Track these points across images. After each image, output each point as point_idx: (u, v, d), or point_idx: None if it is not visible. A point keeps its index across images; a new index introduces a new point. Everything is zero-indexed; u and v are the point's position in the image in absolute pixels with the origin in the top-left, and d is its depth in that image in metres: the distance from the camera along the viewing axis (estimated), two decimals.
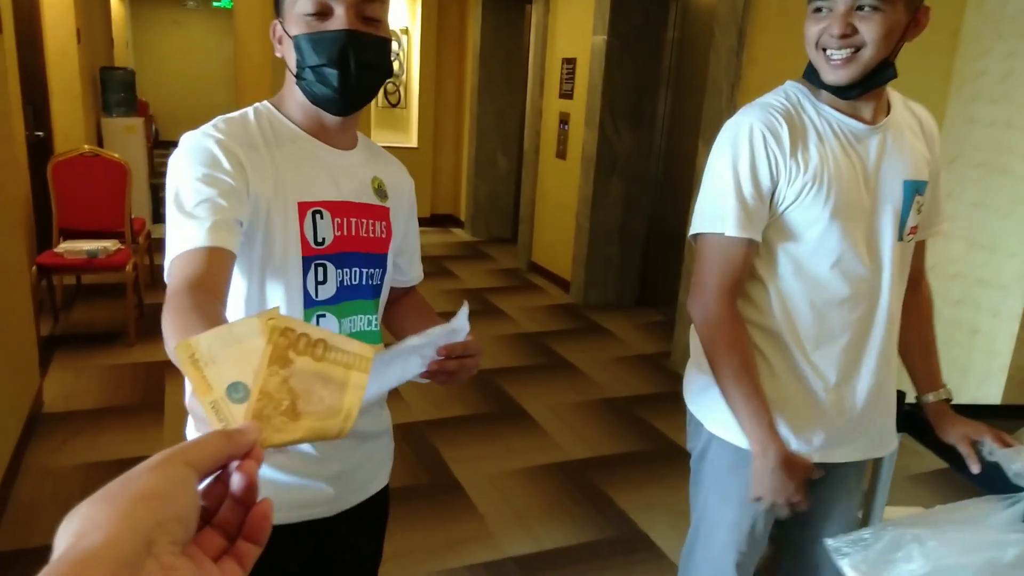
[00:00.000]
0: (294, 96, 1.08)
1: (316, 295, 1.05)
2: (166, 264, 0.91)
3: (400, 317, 1.28)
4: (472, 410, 3.43)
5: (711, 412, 1.38)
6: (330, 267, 1.06)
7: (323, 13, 1.01)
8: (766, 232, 1.28)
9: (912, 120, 1.34)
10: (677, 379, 3.92)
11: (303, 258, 1.04)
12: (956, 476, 1.39)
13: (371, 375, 0.53)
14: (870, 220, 1.27)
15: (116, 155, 3.95)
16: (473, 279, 5.73)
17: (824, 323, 1.29)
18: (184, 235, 0.89)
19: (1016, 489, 1.20)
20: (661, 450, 3.15)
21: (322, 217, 1.05)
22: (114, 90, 5.78)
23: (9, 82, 3.06)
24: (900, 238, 1.30)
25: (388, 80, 1.08)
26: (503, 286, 5.60)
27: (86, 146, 4.00)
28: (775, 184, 1.24)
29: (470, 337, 0.93)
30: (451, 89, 7.30)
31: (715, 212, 1.27)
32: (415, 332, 0.81)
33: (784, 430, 1.30)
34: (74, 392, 3.25)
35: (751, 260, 1.29)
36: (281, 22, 1.06)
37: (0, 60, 2.84)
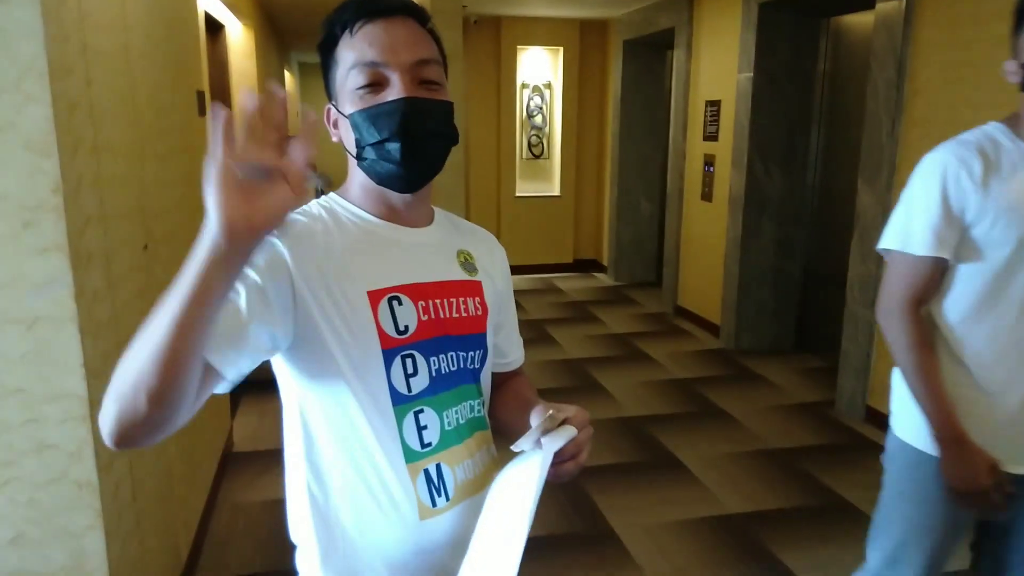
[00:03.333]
0: (357, 180, 1.01)
1: (409, 389, 0.96)
2: None
3: (503, 408, 1.12)
4: (624, 458, 3.39)
5: (895, 414, 1.55)
6: (419, 357, 0.96)
7: (378, 84, 0.93)
8: (961, 252, 1.40)
9: None
10: (843, 429, 3.70)
11: (383, 352, 0.94)
12: None
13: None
14: None
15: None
16: (618, 324, 5.71)
17: (1009, 339, 1.38)
18: None
19: None
20: (831, 506, 2.96)
21: (401, 303, 0.96)
22: None
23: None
24: None
25: (453, 145, 0.98)
26: (649, 331, 5.54)
27: None
28: (964, 211, 1.38)
29: (571, 425, 0.87)
30: (592, 137, 7.43)
31: (906, 231, 1.43)
32: (520, 428, 0.81)
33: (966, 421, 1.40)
34: (259, 433, 3.56)
35: (936, 277, 1.42)
36: (335, 104, 0.99)
37: (204, 138, 3.26)
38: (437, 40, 1.00)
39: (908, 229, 1.43)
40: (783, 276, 4.96)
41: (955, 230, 1.39)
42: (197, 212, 2.98)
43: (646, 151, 6.89)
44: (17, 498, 1.55)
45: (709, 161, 5.33)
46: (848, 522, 2.82)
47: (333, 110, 0.99)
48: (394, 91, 0.93)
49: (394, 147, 0.93)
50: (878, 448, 1.81)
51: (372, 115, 0.93)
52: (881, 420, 3.09)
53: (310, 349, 0.92)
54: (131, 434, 0.77)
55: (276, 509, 2.78)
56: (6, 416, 1.51)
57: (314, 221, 0.97)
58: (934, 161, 1.42)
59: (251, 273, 0.86)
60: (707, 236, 5.40)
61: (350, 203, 1.01)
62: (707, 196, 5.38)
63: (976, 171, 1.37)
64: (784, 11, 4.55)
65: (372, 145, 0.94)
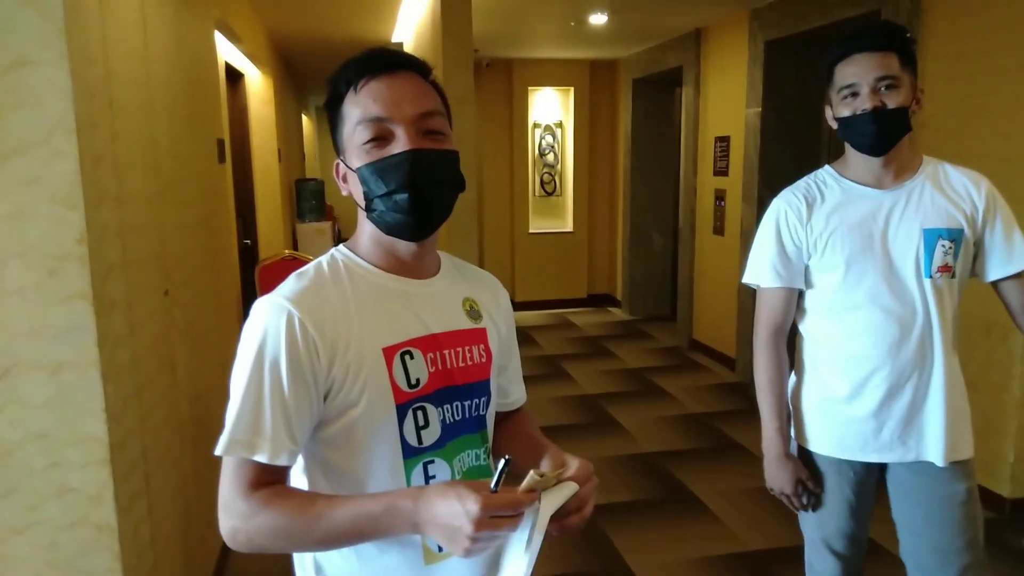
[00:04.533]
0: (366, 232, 1.04)
1: (420, 442, 0.98)
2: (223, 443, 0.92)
3: (507, 445, 1.15)
4: (641, 495, 3.37)
5: (796, 426, 1.77)
6: (430, 408, 0.99)
7: (383, 137, 0.96)
8: (808, 279, 1.68)
9: (943, 180, 1.63)
10: None
11: (396, 406, 0.96)
12: None
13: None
14: (885, 262, 1.58)
15: (311, 256, 4.43)
16: (633, 359, 5.70)
17: (861, 343, 1.61)
18: (253, 443, 0.91)
19: None
20: None
21: (412, 357, 0.98)
22: (306, 199, 6.52)
23: (228, 202, 3.57)
24: (928, 275, 1.57)
25: (460, 192, 1.02)
26: (664, 365, 5.52)
27: (287, 251, 4.53)
28: (797, 246, 1.66)
29: (574, 480, 0.90)
30: (604, 173, 7.50)
31: (754, 268, 1.73)
32: (528, 468, 0.85)
33: (827, 433, 1.69)
34: None
35: (788, 303, 1.70)
36: (343, 160, 1.02)
37: (223, 183, 3.34)
38: (440, 91, 1.04)
39: (755, 266, 1.72)
40: None
41: (791, 263, 1.67)
42: (215, 255, 3.05)
43: (657, 186, 6.94)
44: (38, 542, 1.58)
45: (720, 195, 5.36)
46: (872, 558, 2.77)
47: (342, 165, 1.03)
48: (400, 144, 0.96)
49: (402, 198, 0.95)
50: None
51: (379, 168, 0.96)
52: None
53: (329, 409, 0.96)
54: (255, 550, 0.93)
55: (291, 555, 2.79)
56: (29, 460, 1.55)
57: (324, 282, 1.00)
58: (772, 207, 1.71)
59: (292, 362, 0.92)
60: (720, 269, 5.41)
61: (359, 257, 1.04)
62: (719, 230, 5.40)
63: (803, 211, 1.65)
64: (789, 47, 4.62)
65: (381, 197, 0.97)
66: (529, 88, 7.20)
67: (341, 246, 1.07)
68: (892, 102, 1.52)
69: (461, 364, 1.04)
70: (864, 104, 1.53)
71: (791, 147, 4.79)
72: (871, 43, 1.54)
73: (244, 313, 1.00)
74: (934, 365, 1.60)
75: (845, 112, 1.58)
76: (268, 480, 0.92)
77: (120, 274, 1.72)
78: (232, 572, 2.72)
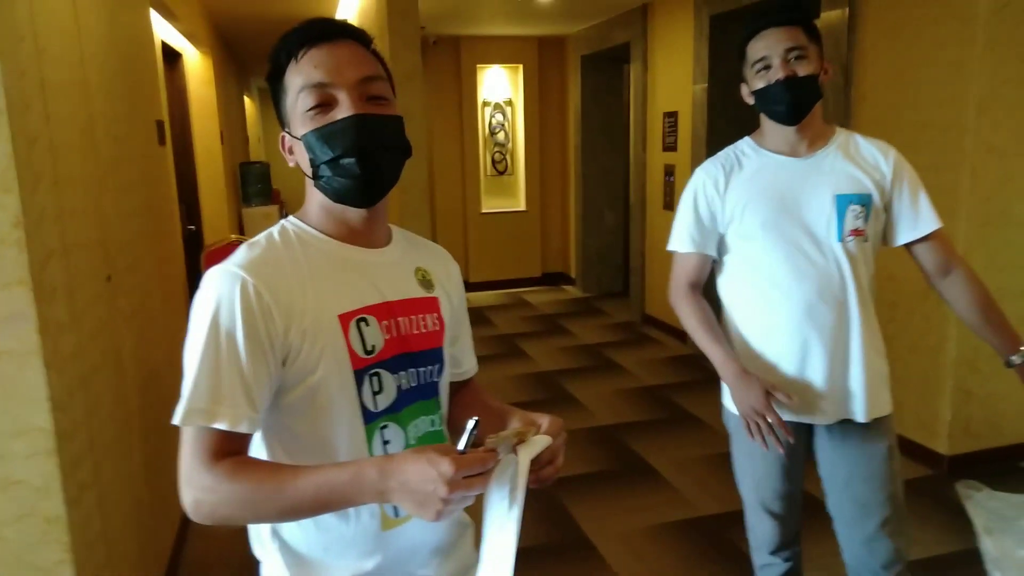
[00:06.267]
0: (315, 201, 1.03)
1: (375, 407, 0.99)
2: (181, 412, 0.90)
3: (465, 415, 1.17)
4: (598, 467, 3.43)
5: (726, 393, 1.80)
6: (385, 374, 1.00)
7: (326, 104, 0.96)
8: (723, 247, 1.76)
9: (853, 150, 1.71)
10: None
11: (355, 372, 0.97)
12: None
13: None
14: (800, 227, 1.65)
15: None
16: (587, 335, 5.77)
17: (780, 307, 1.68)
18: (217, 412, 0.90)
19: None
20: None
21: (368, 324, 0.99)
22: (252, 182, 6.38)
23: (170, 185, 3.47)
24: (840, 239, 1.65)
25: (407, 158, 1.02)
26: (618, 340, 5.60)
27: (233, 235, 4.43)
28: (713, 215, 1.74)
29: (546, 433, 0.93)
30: (555, 151, 7.52)
31: (674, 234, 1.80)
32: (489, 432, 0.88)
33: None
34: None
35: (702, 267, 1.78)
36: (288, 132, 1.01)
37: (164, 166, 3.25)
38: (381, 60, 1.03)
39: (674, 233, 1.80)
40: None
41: (705, 230, 1.75)
42: (159, 240, 2.97)
43: (608, 163, 6.99)
44: None
45: (669, 171, 5.43)
46: (818, 519, 2.88)
47: (287, 136, 1.02)
48: (343, 109, 0.95)
49: (349, 162, 0.95)
50: None
51: (324, 134, 0.95)
52: None
53: (287, 375, 0.96)
54: (218, 522, 0.92)
55: (247, 535, 2.77)
56: None
57: (277, 251, 0.99)
58: (692, 178, 1.81)
59: (248, 328, 0.91)
60: None
61: (309, 226, 1.03)
62: (669, 205, 5.48)
63: (720, 181, 1.73)
64: (734, 21, 4.67)
65: (327, 163, 0.96)
66: (478, 66, 7.15)
67: (291, 217, 1.07)
68: (803, 70, 1.62)
69: (415, 331, 1.05)
70: (777, 74, 1.63)
71: (738, 121, 4.85)
72: (778, 18, 1.64)
73: (191, 301, 0.98)
74: (851, 325, 1.67)
75: (759, 84, 1.67)
76: (230, 449, 0.91)
77: (60, 260, 1.66)
78: (188, 561, 2.69)
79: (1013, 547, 1.35)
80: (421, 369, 1.05)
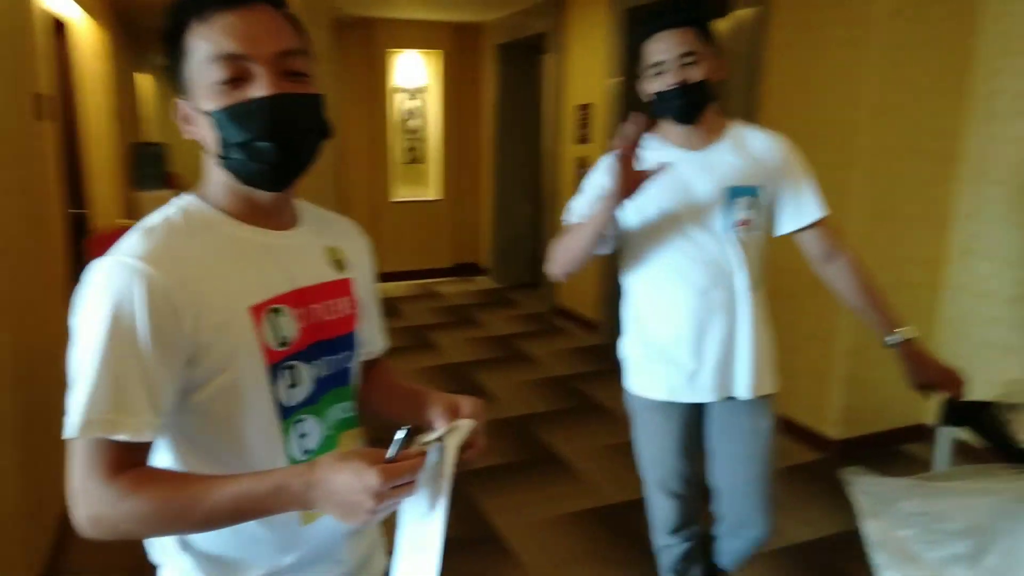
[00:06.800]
0: (219, 180, 0.94)
1: (291, 400, 0.94)
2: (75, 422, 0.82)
3: (381, 399, 1.15)
4: (506, 458, 3.43)
5: (624, 372, 1.93)
6: (300, 366, 0.95)
7: (240, 78, 0.87)
8: (631, 233, 1.81)
9: (743, 143, 1.77)
10: None
11: (268, 367, 0.91)
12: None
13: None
14: (693, 217, 1.73)
15: None
16: (498, 326, 5.77)
17: (678, 291, 1.76)
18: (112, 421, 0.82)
19: None
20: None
21: (280, 314, 0.93)
22: (146, 165, 6.01)
23: (50, 164, 3.21)
24: (729, 228, 1.74)
25: (326, 139, 0.95)
26: (529, 331, 5.63)
27: (118, 220, 4.15)
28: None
29: (467, 416, 0.95)
30: (470, 141, 7.45)
31: (570, 209, 1.86)
32: (406, 418, 0.87)
33: (654, 378, 1.85)
34: None
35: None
36: (186, 99, 0.91)
37: (42, 144, 3.00)
38: (300, 26, 0.95)
39: (571, 207, 1.87)
40: None
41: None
42: (36, 224, 2.75)
43: (522, 154, 7.00)
44: None
45: (582, 163, 5.48)
46: None
47: (185, 105, 0.92)
48: (260, 86, 0.87)
49: (265, 147, 0.88)
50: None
51: (238, 113, 0.87)
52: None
53: (194, 375, 0.88)
54: (120, 537, 0.85)
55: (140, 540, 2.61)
56: None
57: (178, 237, 0.90)
58: (599, 162, 1.82)
59: (152, 329, 0.84)
60: None
61: (211, 207, 0.95)
62: None
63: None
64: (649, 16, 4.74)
65: (238, 144, 0.88)
66: (391, 50, 6.99)
67: (189, 196, 0.97)
68: (694, 76, 1.67)
69: (329, 317, 1.00)
70: (669, 80, 1.68)
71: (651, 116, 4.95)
72: (671, 20, 1.68)
73: (74, 289, 0.88)
74: (739, 308, 1.77)
75: (655, 87, 1.73)
76: (130, 461, 0.84)
77: None
78: (67, 570, 2.50)
79: (893, 528, 1.42)
80: (337, 356, 1.01)
